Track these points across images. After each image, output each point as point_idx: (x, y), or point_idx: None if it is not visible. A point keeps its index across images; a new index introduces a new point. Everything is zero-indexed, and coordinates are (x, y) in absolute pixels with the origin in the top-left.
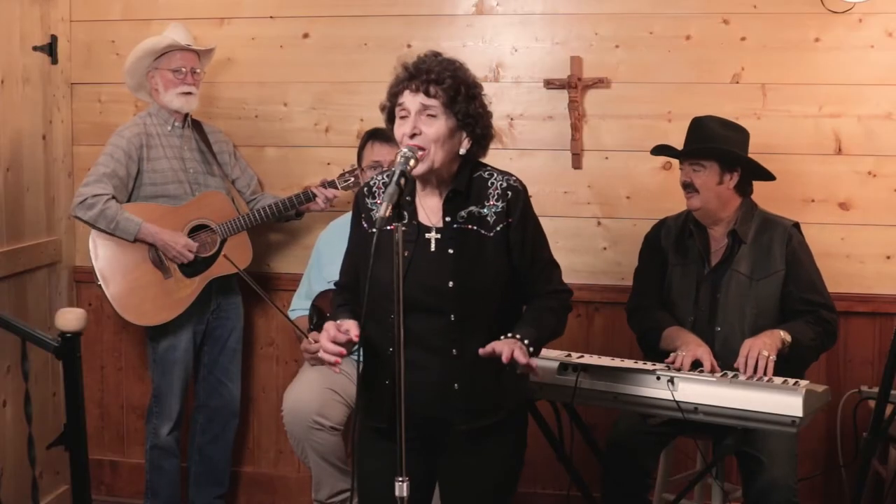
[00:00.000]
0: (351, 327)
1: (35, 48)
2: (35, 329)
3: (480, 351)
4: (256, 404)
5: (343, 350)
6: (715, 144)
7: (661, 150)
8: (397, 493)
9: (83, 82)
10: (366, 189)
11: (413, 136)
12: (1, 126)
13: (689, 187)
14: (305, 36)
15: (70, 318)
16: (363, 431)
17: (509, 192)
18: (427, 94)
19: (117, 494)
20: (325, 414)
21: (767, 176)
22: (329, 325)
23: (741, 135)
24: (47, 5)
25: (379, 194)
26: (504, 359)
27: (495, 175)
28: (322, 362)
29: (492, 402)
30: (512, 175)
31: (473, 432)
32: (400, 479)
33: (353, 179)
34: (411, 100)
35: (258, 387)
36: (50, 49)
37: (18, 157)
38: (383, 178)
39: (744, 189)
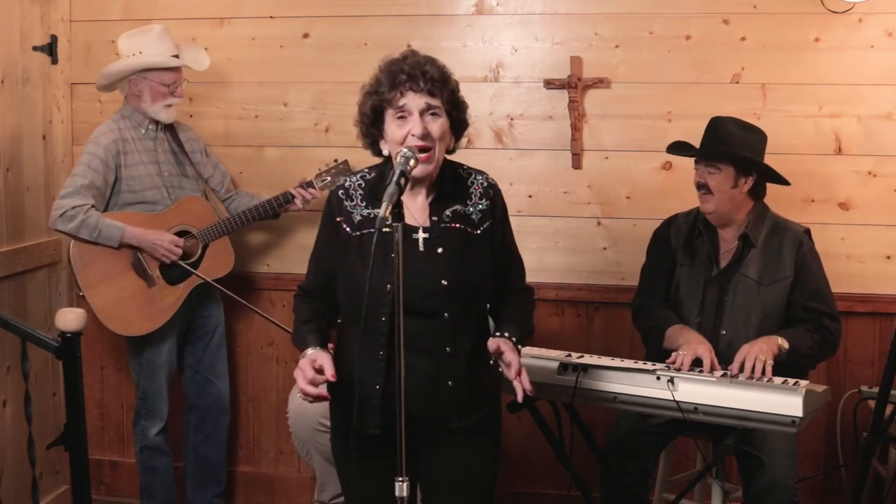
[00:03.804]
0: (325, 365)
1: (35, 48)
2: (35, 329)
3: (491, 347)
4: (256, 404)
5: (326, 393)
6: (732, 147)
7: (677, 148)
8: (397, 493)
9: (83, 82)
10: (341, 192)
11: (423, 136)
12: (1, 126)
13: (703, 188)
14: (305, 36)
15: (70, 318)
16: (343, 442)
17: (491, 191)
18: (432, 94)
19: (117, 494)
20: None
21: (782, 181)
22: (305, 366)
23: (758, 137)
24: (47, 5)
25: (356, 196)
26: (513, 374)
27: (474, 174)
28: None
29: (480, 397)
30: (486, 173)
31: (462, 429)
32: (400, 479)
33: (329, 179)
34: (415, 100)
35: (258, 387)
36: (50, 49)
37: (18, 157)
38: (357, 180)
39: (757, 192)
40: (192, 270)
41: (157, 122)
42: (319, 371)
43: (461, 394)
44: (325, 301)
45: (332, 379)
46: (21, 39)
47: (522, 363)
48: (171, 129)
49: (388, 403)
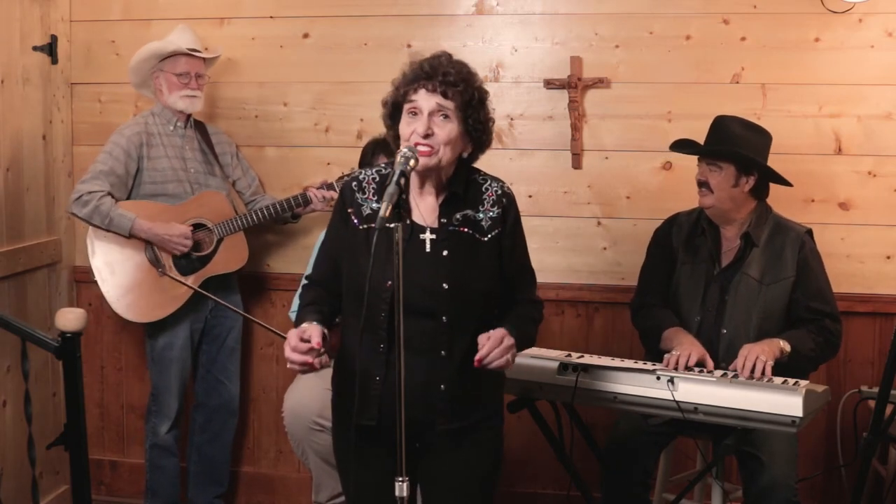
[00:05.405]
0: (314, 334)
1: (35, 48)
2: (35, 329)
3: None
4: (256, 404)
5: (308, 359)
6: (735, 146)
7: (680, 145)
8: (397, 493)
9: (83, 82)
10: (354, 183)
11: (427, 136)
12: (1, 126)
13: (703, 185)
14: (305, 36)
15: (70, 318)
16: (341, 434)
17: (504, 199)
18: (445, 95)
19: (117, 494)
20: (326, 415)
21: (784, 182)
22: (291, 335)
23: (763, 138)
24: (47, 5)
25: (368, 189)
26: (477, 360)
27: (489, 181)
28: (319, 368)
29: (474, 402)
30: (503, 181)
31: (455, 432)
32: (400, 479)
33: None
34: (427, 99)
35: (258, 387)
36: (50, 49)
37: (18, 157)
38: (372, 174)
39: (759, 192)
40: (186, 283)
41: (185, 120)
42: (304, 341)
43: (453, 398)
44: (331, 290)
45: (316, 346)
46: (21, 39)
47: (522, 363)
48: (201, 128)
49: (385, 397)
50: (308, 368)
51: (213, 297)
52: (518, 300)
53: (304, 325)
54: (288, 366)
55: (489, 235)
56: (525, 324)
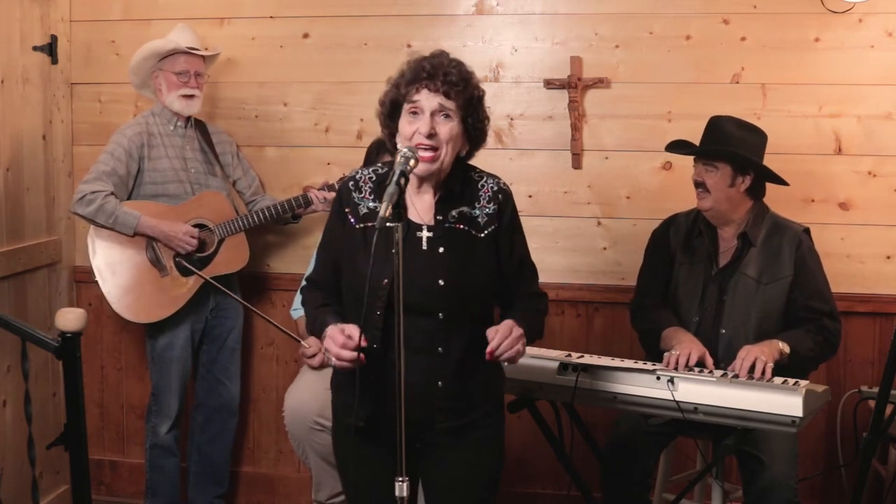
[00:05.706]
0: (353, 332)
1: (35, 48)
2: (35, 329)
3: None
4: (256, 404)
5: (361, 356)
6: (730, 146)
7: (675, 146)
8: (397, 493)
9: (83, 82)
10: (351, 183)
11: (430, 136)
12: (1, 126)
13: (700, 186)
14: (305, 36)
15: (70, 318)
16: (340, 433)
17: (500, 196)
18: (447, 95)
19: (117, 494)
20: (326, 415)
21: (780, 181)
22: (334, 332)
23: (758, 137)
24: (47, 5)
25: (365, 189)
26: (489, 353)
27: (485, 177)
28: (321, 366)
29: (473, 399)
30: (500, 178)
31: (454, 430)
32: (400, 479)
33: None
34: (429, 99)
35: (258, 387)
36: (50, 49)
37: (18, 157)
38: (369, 174)
39: (756, 192)
40: (194, 270)
41: (186, 120)
42: (349, 338)
43: (451, 395)
44: (331, 291)
45: (363, 344)
46: (21, 39)
47: (522, 363)
48: (202, 128)
49: (381, 396)
50: (357, 364)
51: (223, 288)
52: (520, 295)
53: (341, 325)
54: (334, 362)
55: (486, 232)
56: (531, 316)
